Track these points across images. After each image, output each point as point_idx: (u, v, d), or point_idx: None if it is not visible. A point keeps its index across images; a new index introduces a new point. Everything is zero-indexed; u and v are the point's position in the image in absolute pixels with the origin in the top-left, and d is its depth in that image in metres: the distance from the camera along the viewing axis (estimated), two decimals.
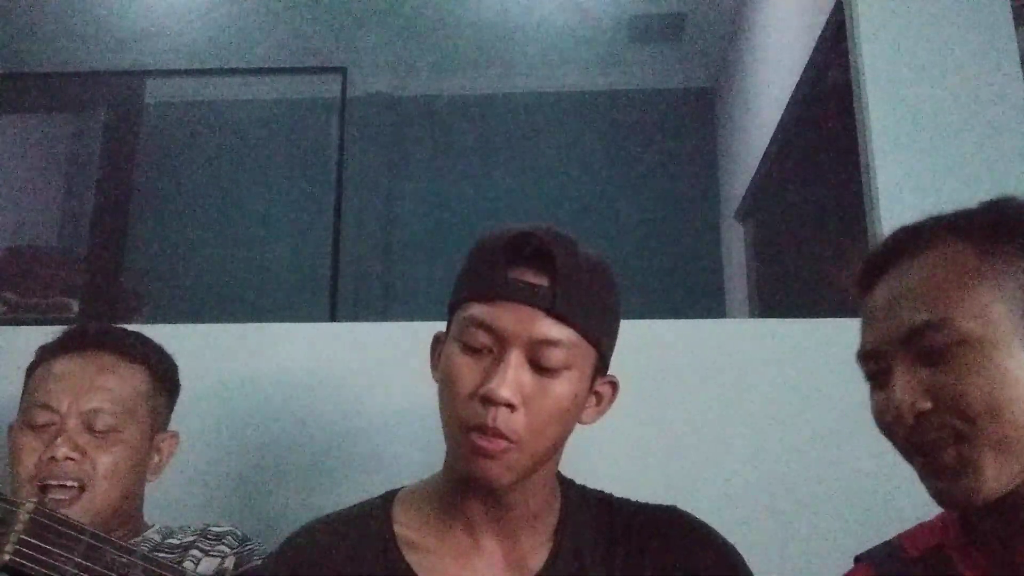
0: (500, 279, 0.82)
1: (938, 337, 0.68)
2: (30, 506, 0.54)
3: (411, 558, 0.86)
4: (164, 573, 0.57)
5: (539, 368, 0.81)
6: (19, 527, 0.52)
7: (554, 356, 0.81)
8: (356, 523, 0.90)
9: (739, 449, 1.36)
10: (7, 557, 0.52)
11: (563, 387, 0.82)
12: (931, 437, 0.69)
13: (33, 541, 0.52)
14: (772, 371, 1.40)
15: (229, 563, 1.08)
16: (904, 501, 1.27)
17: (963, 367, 0.67)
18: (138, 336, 1.16)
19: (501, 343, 0.81)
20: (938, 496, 0.70)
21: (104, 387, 1.08)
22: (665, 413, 1.37)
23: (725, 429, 1.37)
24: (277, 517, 1.36)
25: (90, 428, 1.06)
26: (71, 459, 1.03)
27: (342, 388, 1.42)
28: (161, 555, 0.95)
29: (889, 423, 0.71)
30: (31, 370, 1.12)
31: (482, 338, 0.82)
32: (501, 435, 0.80)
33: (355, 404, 1.41)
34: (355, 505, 0.94)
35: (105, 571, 0.55)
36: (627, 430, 1.31)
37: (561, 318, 0.81)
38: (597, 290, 0.85)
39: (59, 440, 1.03)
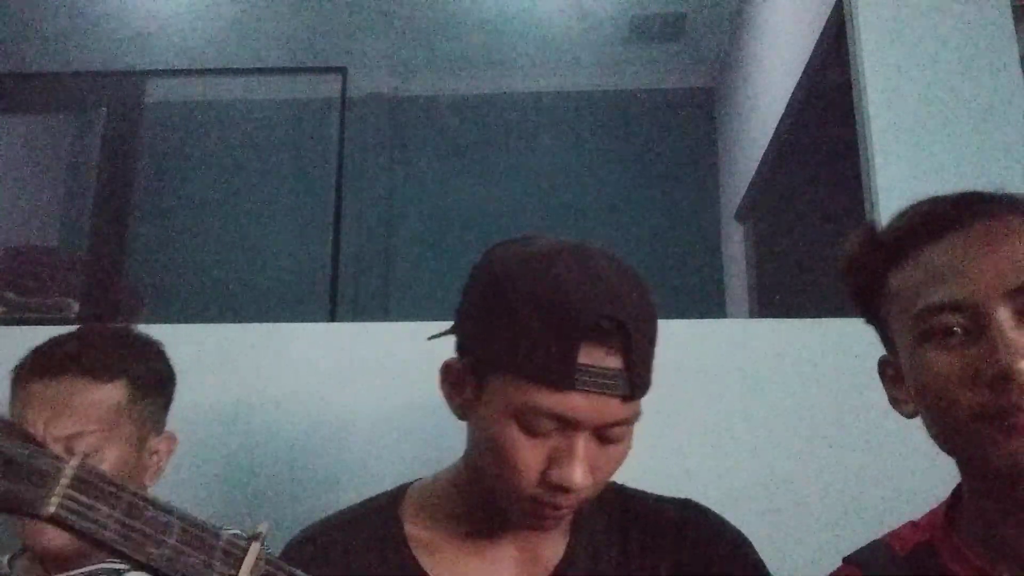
0: (571, 366, 0.74)
1: None
2: (75, 461, 0.55)
3: (423, 559, 0.84)
4: (201, 533, 0.58)
5: (604, 439, 0.78)
6: (64, 481, 0.53)
7: (622, 431, 0.79)
8: (364, 523, 0.88)
9: (739, 449, 1.36)
10: (52, 509, 0.53)
11: (624, 447, 0.81)
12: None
13: (78, 496, 0.54)
14: (772, 371, 1.40)
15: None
16: (903, 500, 1.27)
17: None
18: (115, 344, 1.10)
19: (570, 427, 0.77)
20: (1016, 460, 0.67)
21: (79, 410, 1.02)
22: (664, 413, 1.37)
23: (725, 429, 1.37)
24: (277, 517, 1.35)
25: (71, 453, 0.97)
26: None
27: (342, 388, 1.42)
28: None
29: (988, 377, 0.67)
30: (13, 380, 1.07)
31: (548, 424, 0.76)
32: (569, 505, 0.80)
33: (355, 404, 1.41)
34: (362, 502, 0.92)
35: (145, 527, 0.57)
36: None
37: (633, 398, 0.78)
38: (654, 340, 0.80)
39: None
